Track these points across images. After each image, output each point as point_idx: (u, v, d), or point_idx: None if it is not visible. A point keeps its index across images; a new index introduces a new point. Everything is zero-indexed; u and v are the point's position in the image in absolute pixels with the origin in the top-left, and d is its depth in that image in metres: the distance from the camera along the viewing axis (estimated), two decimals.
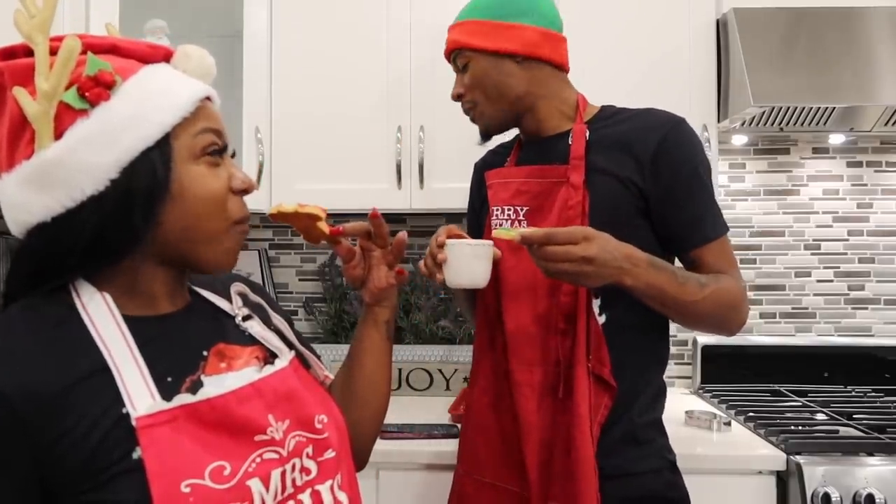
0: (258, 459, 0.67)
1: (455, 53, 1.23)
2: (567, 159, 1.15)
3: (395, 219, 2.15)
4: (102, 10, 1.56)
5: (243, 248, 0.81)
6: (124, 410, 0.62)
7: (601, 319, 1.13)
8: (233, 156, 0.77)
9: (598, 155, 1.14)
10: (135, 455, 0.61)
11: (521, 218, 1.19)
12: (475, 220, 1.36)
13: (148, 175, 0.66)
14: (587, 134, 1.16)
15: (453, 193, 1.68)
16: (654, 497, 1.13)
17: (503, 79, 1.19)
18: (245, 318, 0.81)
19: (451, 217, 2.00)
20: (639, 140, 1.12)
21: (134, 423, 0.62)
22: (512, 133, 1.31)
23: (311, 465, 0.73)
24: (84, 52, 0.67)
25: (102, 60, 0.67)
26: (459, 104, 1.26)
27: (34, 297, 0.68)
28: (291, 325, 0.89)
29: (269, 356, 0.78)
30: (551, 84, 1.21)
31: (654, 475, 1.14)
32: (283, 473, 0.69)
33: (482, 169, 1.34)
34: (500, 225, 1.20)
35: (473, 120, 1.26)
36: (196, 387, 0.68)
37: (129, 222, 0.66)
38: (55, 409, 0.61)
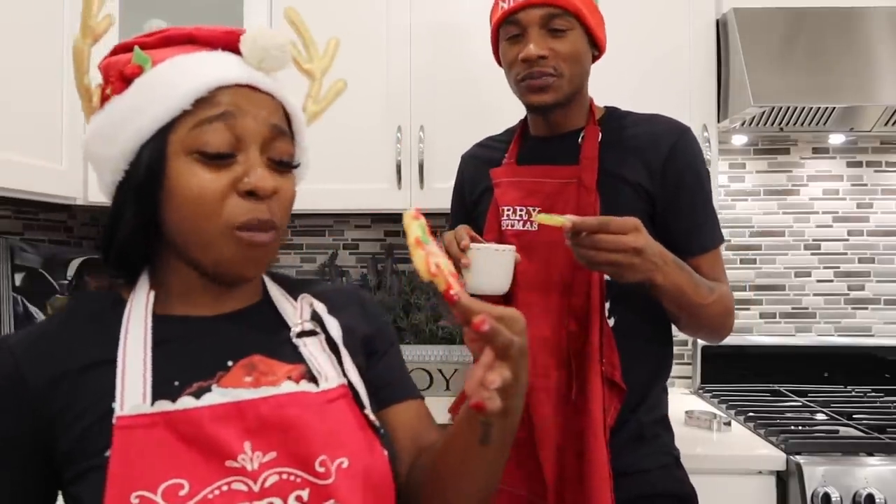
0: (224, 487, 0.60)
1: (559, 11, 1.10)
2: (576, 159, 1.14)
3: (396, 219, 2.16)
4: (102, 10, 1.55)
5: None
6: (113, 405, 0.61)
7: (610, 322, 1.12)
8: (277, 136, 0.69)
9: (607, 158, 1.14)
10: (107, 453, 0.59)
11: (533, 219, 1.15)
12: (463, 213, 1.31)
13: (138, 169, 0.65)
14: (599, 135, 1.16)
15: None
16: (666, 494, 1.13)
17: (586, 64, 1.17)
18: (302, 334, 0.71)
19: None
20: (650, 145, 1.13)
21: (114, 421, 0.60)
22: (500, 126, 1.30)
23: None
24: (129, 49, 0.68)
25: (144, 55, 0.66)
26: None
27: (101, 290, 0.73)
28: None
29: (311, 379, 0.68)
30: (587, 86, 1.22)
31: (663, 471, 1.15)
32: None
33: (471, 161, 1.32)
34: (512, 226, 1.18)
35: (541, 88, 1.12)
36: (199, 394, 0.63)
37: (124, 216, 0.67)
38: (59, 389, 0.63)
